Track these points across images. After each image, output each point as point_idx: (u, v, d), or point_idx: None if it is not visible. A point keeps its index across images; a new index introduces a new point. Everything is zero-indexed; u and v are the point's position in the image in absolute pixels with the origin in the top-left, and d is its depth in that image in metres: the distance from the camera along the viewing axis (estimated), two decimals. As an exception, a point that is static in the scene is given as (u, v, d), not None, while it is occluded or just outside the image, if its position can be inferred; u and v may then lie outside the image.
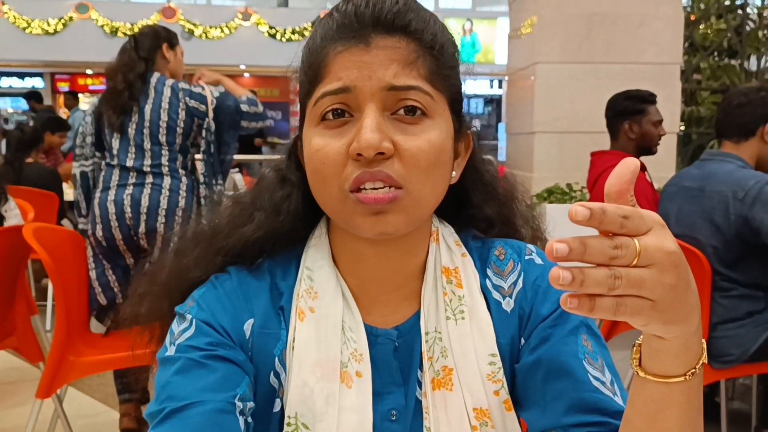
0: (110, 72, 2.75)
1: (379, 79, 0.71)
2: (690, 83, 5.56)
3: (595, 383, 0.76)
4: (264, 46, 15.52)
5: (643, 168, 2.96)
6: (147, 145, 2.69)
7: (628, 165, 0.54)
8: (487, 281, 0.84)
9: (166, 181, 2.70)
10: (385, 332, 0.81)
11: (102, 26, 15.24)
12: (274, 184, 0.85)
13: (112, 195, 2.67)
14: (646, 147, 3.00)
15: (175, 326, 0.77)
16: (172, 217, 2.68)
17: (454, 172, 0.81)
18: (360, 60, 0.72)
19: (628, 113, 2.99)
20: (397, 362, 0.80)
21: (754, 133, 2.36)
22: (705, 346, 0.60)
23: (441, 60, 0.76)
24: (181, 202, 2.70)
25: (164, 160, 2.70)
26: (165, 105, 2.70)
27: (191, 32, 15.49)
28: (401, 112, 0.72)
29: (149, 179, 2.68)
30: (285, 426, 0.76)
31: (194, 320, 0.76)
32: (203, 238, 0.85)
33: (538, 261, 0.85)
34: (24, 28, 15.01)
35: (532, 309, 0.82)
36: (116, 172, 2.70)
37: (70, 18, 15.22)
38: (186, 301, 0.80)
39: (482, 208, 0.88)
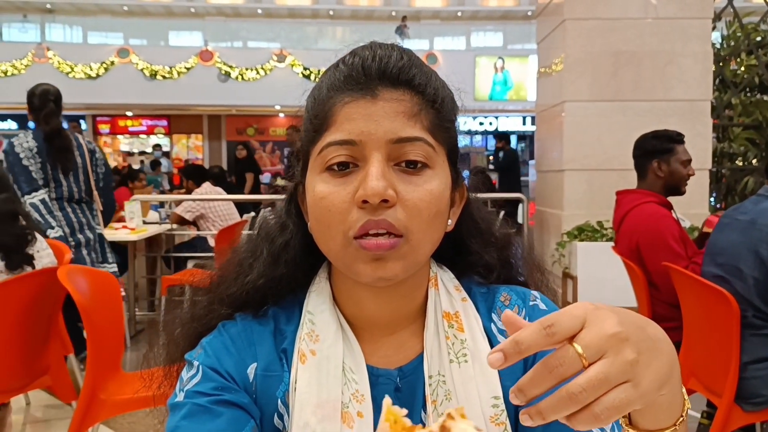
0: None
1: (386, 130, 0.74)
2: (722, 119, 5.51)
3: None
4: (298, 86, 15.61)
5: (669, 207, 2.94)
6: None
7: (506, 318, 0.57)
8: (493, 326, 0.86)
9: None
10: (387, 372, 0.82)
11: (142, 69, 15.72)
12: (274, 231, 0.87)
13: None
14: (674, 186, 2.98)
15: (185, 373, 0.80)
16: None
17: (450, 221, 0.83)
18: (366, 112, 0.74)
19: (657, 152, 2.98)
20: (398, 402, 0.80)
21: None
22: (684, 390, 0.60)
23: (442, 113, 0.79)
24: None
25: None
26: None
27: (228, 74, 15.88)
28: (404, 164, 0.75)
29: None
30: None
31: (201, 366, 0.79)
32: (212, 288, 0.89)
33: (543, 307, 0.87)
34: (67, 73, 15.54)
35: (536, 354, 0.83)
36: None
37: (112, 62, 15.73)
38: (195, 348, 0.83)
39: (481, 254, 0.90)
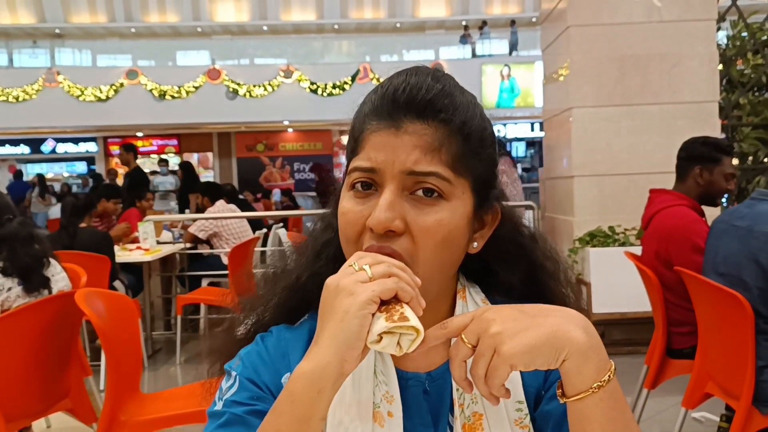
0: None
1: (401, 163, 0.78)
2: (731, 120, 5.50)
3: None
4: (306, 101, 15.91)
5: (701, 213, 2.91)
6: None
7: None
8: None
9: None
10: (416, 375, 0.87)
11: (151, 90, 15.87)
12: (319, 230, 0.96)
13: None
14: (711, 196, 2.92)
15: (224, 383, 0.85)
16: None
17: (475, 243, 0.87)
18: (388, 143, 0.79)
19: (703, 159, 2.90)
20: (426, 404, 0.86)
21: None
22: (612, 364, 0.70)
23: (468, 145, 0.82)
24: None
25: None
26: None
27: (236, 91, 16.00)
28: (419, 192, 0.79)
29: None
30: None
31: (238, 377, 0.84)
32: (266, 285, 0.97)
33: None
34: (78, 96, 15.71)
35: (552, 371, 0.86)
36: None
37: (121, 84, 15.88)
38: (234, 359, 0.88)
39: (506, 275, 0.93)
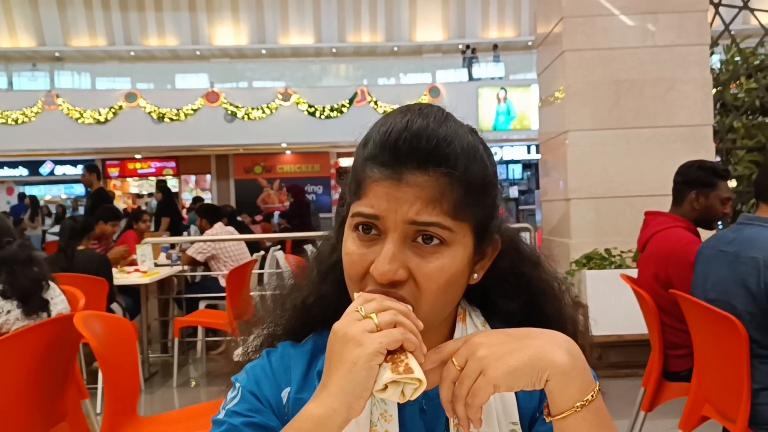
0: None
1: (404, 214, 0.80)
2: (725, 143, 5.56)
3: None
4: (304, 123, 16.00)
5: (698, 236, 2.92)
6: None
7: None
8: None
9: None
10: None
11: (149, 113, 15.95)
12: (325, 252, 0.97)
13: None
14: (707, 220, 2.93)
15: (229, 393, 0.89)
16: None
17: (475, 275, 0.89)
18: (390, 193, 0.80)
19: (699, 183, 2.91)
20: (423, 423, 0.88)
21: None
22: (597, 384, 0.74)
23: (469, 193, 0.83)
24: None
25: None
26: None
27: (234, 114, 16.09)
28: (420, 239, 0.81)
29: None
30: None
31: (241, 389, 0.88)
32: (275, 306, 1.00)
33: None
34: (77, 119, 15.78)
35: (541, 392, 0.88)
36: None
37: (120, 107, 15.96)
38: (241, 372, 0.92)
39: (505, 303, 0.95)
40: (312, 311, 0.93)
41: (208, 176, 19.73)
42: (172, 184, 19.09)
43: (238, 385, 0.89)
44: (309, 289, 0.95)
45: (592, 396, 0.73)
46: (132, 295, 5.11)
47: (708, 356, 2.49)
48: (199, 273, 5.85)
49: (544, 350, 0.73)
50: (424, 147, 0.80)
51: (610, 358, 4.51)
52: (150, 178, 19.30)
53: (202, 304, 5.59)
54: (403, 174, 0.80)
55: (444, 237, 0.81)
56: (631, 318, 3.58)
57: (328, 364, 0.74)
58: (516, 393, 0.88)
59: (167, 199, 10.17)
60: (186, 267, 5.69)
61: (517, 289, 0.95)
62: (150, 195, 17.73)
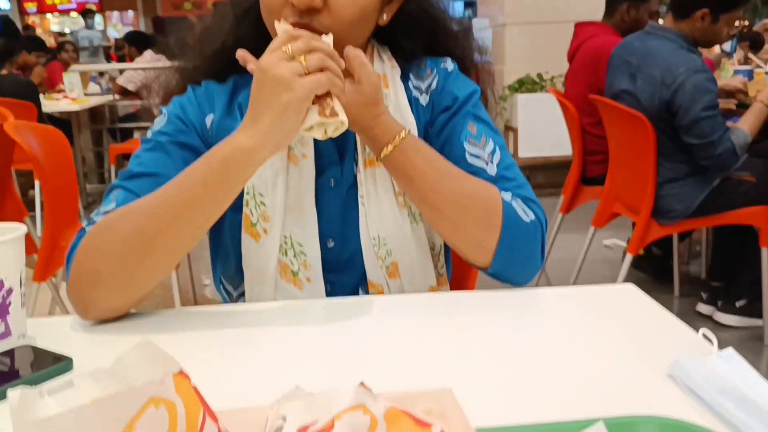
0: None
1: None
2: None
3: (471, 159, 0.95)
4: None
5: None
6: None
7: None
8: (409, 83, 1.02)
9: None
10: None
11: (65, -60, 14.69)
12: None
13: None
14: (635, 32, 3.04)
15: (157, 119, 0.97)
16: None
17: (384, 15, 0.95)
18: None
19: None
20: (333, 144, 0.98)
21: (689, 15, 2.45)
22: (402, 134, 0.88)
23: None
24: None
25: None
26: None
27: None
28: None
29: None
30: (244, 195, 0.94)
31: (168, 113, 0.97)
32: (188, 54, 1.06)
33: (450, 68, 1.03)
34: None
35: (440, 102, 1.00)
36: None
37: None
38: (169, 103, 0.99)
39: (408, 43, 1.02)
40: (231, 54, 0.96)
41: (131, 12, 18.67)
42: (98, 21, 18.03)
43: (165, 110, 0.97)
44: (227, 33, 0.99)
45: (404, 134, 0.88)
46: (63, 127, 4.98)
47: (621, 157, 2.67)
48: (129, 102, 5.69)
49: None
50: None
51: (537, 179, 4.74)
52: (72, 14, 18.14)
53: (136, 134, 5.53)
54: None
55: None
56: (559, 138, 3.75)
57: (256, 103, 0.78)
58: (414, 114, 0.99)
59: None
60: (117, 97, 5.55)
61: (420, 30, 1.01)
62: (74, 34, 16.75)
